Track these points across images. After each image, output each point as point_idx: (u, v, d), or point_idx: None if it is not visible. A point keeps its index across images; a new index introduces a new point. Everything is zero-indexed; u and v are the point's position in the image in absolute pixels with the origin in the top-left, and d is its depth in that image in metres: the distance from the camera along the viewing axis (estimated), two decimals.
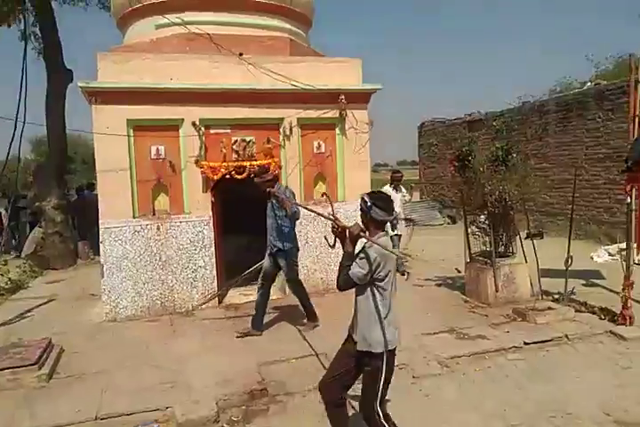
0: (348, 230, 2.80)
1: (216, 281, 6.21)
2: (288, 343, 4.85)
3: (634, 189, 5.15)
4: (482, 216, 6.16)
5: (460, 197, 6.85)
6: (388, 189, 7.64)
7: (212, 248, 6.13)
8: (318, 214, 3.81)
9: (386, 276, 2.79)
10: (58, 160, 9.98)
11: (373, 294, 2.81)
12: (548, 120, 10.76)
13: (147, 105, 5.77)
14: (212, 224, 6.11)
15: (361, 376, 2.96)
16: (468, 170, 6.10)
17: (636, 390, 3.81)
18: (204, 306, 6.10)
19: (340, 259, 2.84)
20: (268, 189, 5.09)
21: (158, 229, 5.89)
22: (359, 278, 2.74)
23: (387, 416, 2.87)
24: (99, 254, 6.10)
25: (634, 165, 4.95)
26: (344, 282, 2.79)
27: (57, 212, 9.55)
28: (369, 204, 2.81)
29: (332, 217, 3.04)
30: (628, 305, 5.05)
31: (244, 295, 6.53)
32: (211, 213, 6.13)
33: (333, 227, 2.91)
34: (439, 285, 6.95)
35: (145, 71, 5.78)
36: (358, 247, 2.85)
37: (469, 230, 6.33)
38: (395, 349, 2.89)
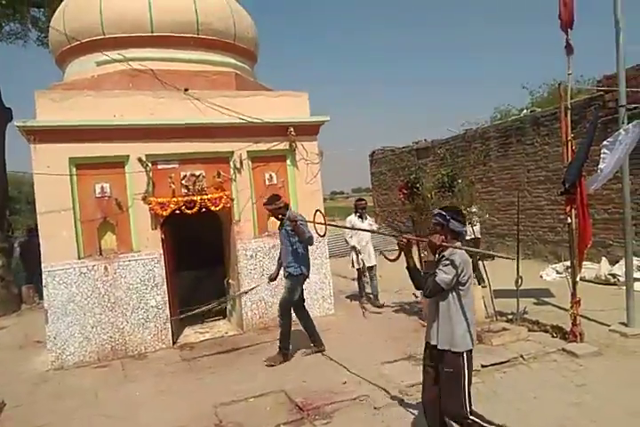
0: (429, 240, 3.08)
1: (169, 320, 5.99)
2: (245, 382, 4.70)
3: (573, 210, 5.40)
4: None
5: (411, 223, 6.99)
6: (353, 218, 7.59)
7: (164, 286, 5.95)
8: (381, 234, 4.46)
9: (468, 279, 3.08)
10: None
11: (458, 297, 3.07)
12: (490, 146, 11.30)
13: (89, 143, 5.65)
14: (162, 262, 5.95)
15: None
16: (416, 197, 6.25)
17: (590, 407, 3.86)
18: (157, 347, 5.86)
19: (409, 273, 3.19)
20: (280, 216, 5.27)
21: (106, 269, 5.68)
22: (447, 284, 2.99)
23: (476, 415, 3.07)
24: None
25: (571, 187, 5.19)
26: (433, 288, 3.02)
27: None
28: (447, 217, 3.13)
29: (395, 234, 3.26)
30: (577, 322, 5.19)
31: (199, 333, 6.34)
32: (161, 251, 5.97)
33: (400, 241, 3.23)
34: (397, 311, 6.98)
35: (86, 108, 5.68)
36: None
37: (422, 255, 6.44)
38: (472, 350, 3.12)
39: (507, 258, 3.72)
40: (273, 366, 5.08)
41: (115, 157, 5.81)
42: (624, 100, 5.60)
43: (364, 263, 7.46)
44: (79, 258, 5.61)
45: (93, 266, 5.64)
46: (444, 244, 3.04)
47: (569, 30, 5.35)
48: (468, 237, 7.38)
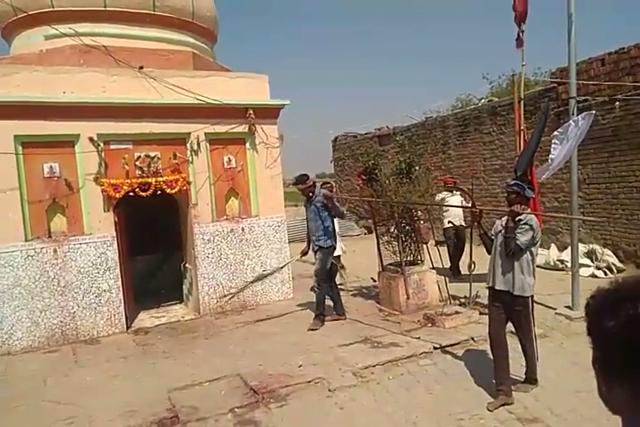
0: (510, 210, 3.70)
1: (123, 305, 5.86)
2: (200, 366, 4.67)
3: None
4: (391, 227, 6.39)
5: (369, 208, 7.06)
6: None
7: (117, 270, 5.79)
8: (456, 207, 6.44)
9: (539, 239, 3.83)
10: None
11: (531, 254, 3.78)
12: (449, 134, 11.49)
13: (36, 120, 5.37)
14: (116, 245, 5.79)
15: None
16: (375, 183, 6.31)
17: (535, 386, 4.02)
18: (110, 331, 5.74)
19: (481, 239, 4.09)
20: (309, 194, 5.63)
21: (55, 251, 5.48)
22: (526, 245, 3.68)
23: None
24: None
25: (522, 175, 5.35)
26: (515, 249, 3.67)
27: None
28: (524, 187, 3.78)
29: (469, 205, 4.29)
30: None
31: (155, 318, 6.24)
32: (114, 233, 5.80)
33: (474, 212, 4.24)
34: (355, 295, 7.08)
35: (34, 84, 5.40)
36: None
37: (381, 240, 6.53)
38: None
39: (590, 219, 5.30)
40: (316, 329, 5.54)
41: (64, 136, 5.56)
42: (574, 92, 5.78)
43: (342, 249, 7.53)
44: (26, 240, 5.38)
45: (42, 248, 5.43)
46: (524, 211, 3.70)
47: (522, 23, 5.46)
48: (450, 225, 7.58)
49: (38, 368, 4.83)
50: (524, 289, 3.77)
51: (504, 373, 3.88)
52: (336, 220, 7.75)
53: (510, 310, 3.87)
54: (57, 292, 5.49)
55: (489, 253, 4.00)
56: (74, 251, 5.57)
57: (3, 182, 5.23)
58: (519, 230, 3.68)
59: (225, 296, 6.29)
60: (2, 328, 5.26)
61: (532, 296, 3.94)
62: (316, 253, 5.69)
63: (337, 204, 5.68)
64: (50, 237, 5.52)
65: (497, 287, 3.87)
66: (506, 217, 3.82)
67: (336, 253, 7.42)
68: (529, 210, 3.89)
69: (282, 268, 6.57)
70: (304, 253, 6.02)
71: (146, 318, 6.25)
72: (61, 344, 5.47)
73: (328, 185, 7.77)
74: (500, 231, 3.85)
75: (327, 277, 5.80)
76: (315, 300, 5.79)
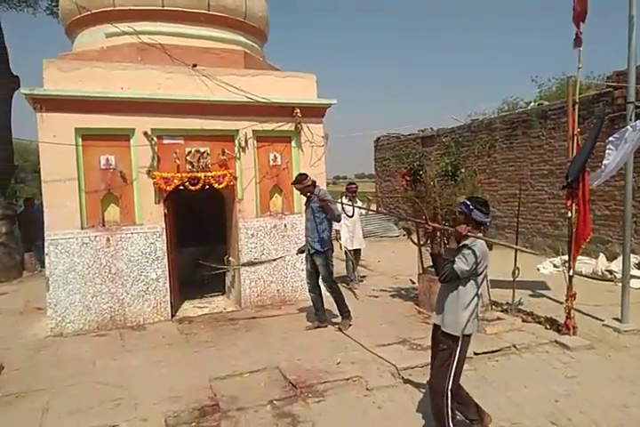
0: (455, 230, 3.17)
1: (169, 294, 6.05)
2: (241, 358, 4.76)
3: (574, 205, 5.41)
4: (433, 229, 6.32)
5: (412, 210, 7.01)
6: (343, 200, 7.71)
7: (165, 260, 5.99)
8: (409, 220, 5.21)
9: (484, 270, 3.20)
10: (2, 168, 9.52)
11: (471, 286, 3.19)
12: (495, 137, 11.24)
13: (96, 114, 5.62)
14: (164, 236, 5.98)
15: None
16: (419, 184, 6.26)
17: (578, 399, 3.93)
18: (156, 319, 5.94)
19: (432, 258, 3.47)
20: (308, 194, 5.49)
21: (108, 240, 5.72)
22: (463, 272, 3.10)
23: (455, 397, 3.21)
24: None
25: (573, 181, 5.19)
26: (449, 275, 3.14)
27: (2, 222, 9.09)
28: (471, 207, 3.20)
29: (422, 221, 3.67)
30: (571, 315, 5.24)
31: (198, 308, 6.42)
32: (164, 225, 5.99)
33: (425, 228, 3.68)
34: (393, 296, 7.05)
35: (94, 79, 5.64)
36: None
37: (422, 242, 6.47)
38: (470, 335, 3.29)
39: (531, 253, 3.92)
40: (344, 330, 5.45)
41: (120, 130, 5.79)
42: (633, 97, 5.55)
43: (352, 245, 7.60)
44: (82, 228, 5.63)
45: (96, 237, 5.68)
46: (470, 234, 3.14)
47: (581, 23, 5.29)
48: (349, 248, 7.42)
49: (88, 351, 5.06)
50: (454, 326, 3.20)
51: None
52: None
53: (435, 346, 3.37)
54: (108, 278, 5.73)
55: (437, 274, 3.47)
56: (125, 240, 5.79)
57: (63, 172, 5.50)
58: (460, 255, 3.11)
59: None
60: (56, 311, 5.54)
61: (466, 337, 3.25)
62: (312, 256, 5.53)
63: (333, 206, 5.48)
64: (104, 225, 5.77)
65: (432, 319, 3.45)
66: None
67: (355, 247, 7.53)
68: (476, 235, 3.20)
69: (276, 260, 6.39)
70: (300, 252, 5.87)
71: (189, 308, 6.43)
72: (110, 329, 5.70)
73: (353, 186, 7.87)
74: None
75: (332, 277, 5.65)
76: (318, 304, 5.68)
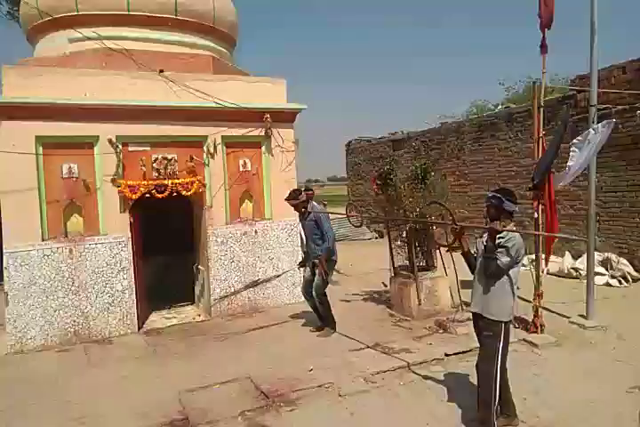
0: (490, 227, 3.33)
1: (135, 305, 5.91)
2: (211, 369, 4.68)
3: (540, 205, 5.52)
4: (404, 232, 6.37)
5: (383, 214, 7.05)
6: None
7: (131, 271, 5.85)
8: (435, 223, 5.21)
9: (521, 258, 3.40)
10: None
11: (511, 274, 3.37)
12: (464, 140, 11.43)
13: (58, 121, 5.46)
14: (130, 245, 5.84)
15: None
16: (389, 188, 6.30)
17: (546, 395, 4.01)
18: (122, 331, 5.78)
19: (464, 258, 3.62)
20: (303, 210, 5.55)
21: (71, 251, 5.54)
22: (507, 265, 3.30)
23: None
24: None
25: (539, 182, 5.30)
26: (496, 271, 3.31)
27: None
28: (502, 199, 3.39)
29: (449, 221, 3.84)
30: (539, 314, 5.35)
31: (166, 319, 6.28)
32: (129, 234, 5.86)
33: (453, 228, 3.72)
34: (365, 300, 7.05)
35: (56, 86, 5.48)
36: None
37: (394, 245, 6.51)
38: (512, 320, 3.53)
39: (577, 239, 4.10)
40: (323, 336, 5.46)
41: (84, 137, 5.64)
42: (595, 101, 5.73)
43: None
44: (43, 240, 5.46)
45: (58, 248, 5.50)
46: (505, 229, 3.33)
47: (546, 30, 5.43)
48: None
49: (51, 367, 4.89)
50: (498, 313, 3.38)
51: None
52: (346, 222, 7.75)
53: (479, 334, 3.55)
54: (71, 291, 5.55)
55: (472, 273, 3.63)
56: (89, 251, 5.63)
57: (22, 182, 5.31)
58: (500, 250, 3.31)
59: (222, 298, 6.29)
60: (16, 327, 5.33)
61: (509, 323, 3.47)
62: (314, 266, 5.58)
63: (326, 223, 5.54)
64: (66, 236, 5.60)
65: (472, 309, 3.59)
66: (486, 235, 3.43)
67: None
68: (511, 224, 3.45)
69: (278, 276, 6.46)
70: (302, 266, 5.93)
71: (157, 319, 6.29)
72: (74, 344, 5.52)
73: (309, 192, 7.89)
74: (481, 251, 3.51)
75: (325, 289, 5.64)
76: (318, 312, 5.68)
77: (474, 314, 3.58)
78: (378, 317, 6.19)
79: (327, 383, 4.26)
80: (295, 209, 5.64)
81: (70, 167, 5.59)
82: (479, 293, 3.49)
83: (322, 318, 5.68)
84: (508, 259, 3.29)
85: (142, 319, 6.11)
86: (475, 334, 3.68)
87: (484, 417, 3.38)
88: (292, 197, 5.54)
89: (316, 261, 5.51)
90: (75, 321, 5.59)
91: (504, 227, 3.37)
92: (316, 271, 5.52)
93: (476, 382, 4.21)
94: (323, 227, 5.48)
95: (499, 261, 3.28)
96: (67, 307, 5.54)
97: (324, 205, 8.51)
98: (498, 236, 3.35)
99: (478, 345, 4.79)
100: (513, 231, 3.37)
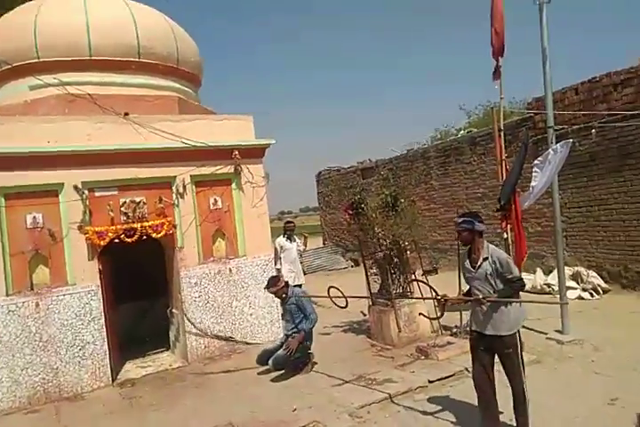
0: (479, 299, 3.50)
1: (108, 357, 5.66)
2: (191, 417, 4.52)
3: (508, 225, 5.66)
4: (378, 260, 6.40)
5: (357, 242, 7.09)
6: (281, 239, 7.78)
7: (102, 320, 5.64)
8: (422, 298, 5.52)
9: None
10: None
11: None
12: (430, 165, 11.73)
13: (21, 171, 5.34)
14: (100, 294, 5.66)
15: None
16: (361, 217, 6.36)
17: (533, 415, 3.83)
18: (95, 385, 5.52)
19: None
20: (283, 295, 5.49)
21: (37, 305, 5.32)
22: (518, 274, 3.60)
23: None
24: None
25: (505, 204, 5.45)
26: (520, 285, 3.57)
27: None
28: (474, 222, 3.56)
29: (437, 297, 3.92)
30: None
31: (141, 368, 6.03)
32: (99, 283, 5.68)
33: (439, 301, 3.87)
34: (345, 331, 6.99)
35: (18, 135, 5.40)
36: None
37: (370, 273, 6.52)
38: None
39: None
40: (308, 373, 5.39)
41: (48, 186, 5.53)
42: (552, 122, 6.01)
43: (294, 281, 7.56)
44: (7, 295, 5.23)
45: (23, 303, 5.26)
46: (491, 299, 3.47)
47: (499, 58, 5.72)
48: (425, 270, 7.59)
49: None
50: (512, 326, 3.58)
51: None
52: (321, 252, 7.74)
53: (498, 353, 3.69)
54: (39, 347, 5.29)
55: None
56: (56, 303, 5.42)
57: None
58: (507, 269, 3.51)
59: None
60: None
61: (519, 332, 3.65)
62: (286, 339, 5.52)
63: (306, 307, 5.48)
64: (32, 289, 5.38)
65: (486, 332, 3.65)
66: (467, 261, 3.69)
67: (300, 282, 7.57)
68: (484, 242, 3.62)
69: (249, 344, 6.28)
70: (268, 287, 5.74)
71: (132, 369, 6.04)
72: (44, 403, 5.21)
73: (291, 224, 7.93)
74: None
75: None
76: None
77: (482, 335, 3.63)
78: (359, 347, 6.13)
79: (312, 422, 4.17)
80: (275, 296, 5.62)
81: (35, 217, 5.44)
82: (488, 314, 3.56)
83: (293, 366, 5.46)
84: (516, 270, 3.52)
85: (116, 371, 5.86)
86: (477, 353, 3.74)
87: None
88: (271, 284, 5.50)
89: (289, 335, 5.44)
90: (44, 379, 5.30)
91: (480, 247, 3.58)
92: (285, 345, 5.38)
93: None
94: (306, 311, 5.46)
95: (515, 279, 3.49)
96: (35, 364, 5.27)
97: (305, 237, 8.43)
98: (483, 258, 3.55)
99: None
100: (494, 301, 3.48)
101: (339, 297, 4.73)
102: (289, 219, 9.07)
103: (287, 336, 5.53)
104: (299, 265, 7.97)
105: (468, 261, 3.70)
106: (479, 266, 3.57)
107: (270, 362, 5.32)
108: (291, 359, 5.32)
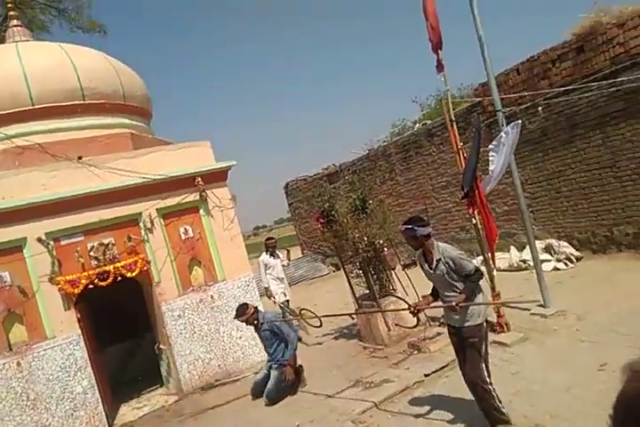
0: (452, 306, 3.42)
1: (101, 404, 5.57)
2: None
3: (476, 211, 5.77)
4: (358, 262, 6.46)
5: (334, 249, 7.14)
6: (265, 257, 7.72)
7: (89, 368, 5.55)
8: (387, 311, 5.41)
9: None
10: None
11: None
12: (393, 162, 11.88)
13: None
14: (82, 342, 5.58)
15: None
16: (334, 224, 6.40)
17: (527, 393, 4.05)
18: None
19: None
20: (255, 322, 5.31)
21: (19, 364, 5.22)
22: (475, 266, 3.55)
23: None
24: None
25: (469, 190, 5.57)
26: (478, 277, 3.50)
27: None
28: (414, 228, 3.54)
29: (409, 307, 3.85)
30: (501, 313, 5.49)
31: (137, 409, 5.95)
32: (79, 331, 5.60)
33: (411, 311, 3.79)
34: (337, 337, 7.02)
35: None
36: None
37: (351, 276, 6.57)
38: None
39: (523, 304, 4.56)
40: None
41: (10, 242, 5.45)
42: (499, 105, 6.16)
43: (285, 296, 7.59)
44: None
45: (4, 364, 5.16)
46: (462, 304, 3.43)
47: (439, 51, 5.86)
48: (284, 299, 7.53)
49: None
50: (476, 317, 3.54)
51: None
52: (301, 262, 7.64)
53: (461, 344, 3.66)
54: (27, 407, 5.19)
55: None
56: (38, 359, 5.32)
57: None
58: (460, 263, 3.50)
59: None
60: None
61: (486, 323, 3.64)
62: (269, 369, 5.38)
63: (284, 329, 5.36)
64: (11, 350, 5.28)
65: (453, 324, 3.67)
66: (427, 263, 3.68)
67: (283, 299, 7.54)
68: (434, 243, 3.62)
69: (236, 380, 6.08)
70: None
71: (127, 412, 5.95)
72: None
73: (272, 241, 7.90)
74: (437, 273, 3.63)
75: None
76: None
77: (452, 328, 3.67)
78: (352, 353, 6.16)
79: None
80: (247, 324, 5.47)
81: (1, 276, 5.36)
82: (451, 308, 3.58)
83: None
84: (471, 264, 3.51)
85: (112, 416, 5.77)
86: (454, 346, 3.76)
87: (494, 420, 3.49)
88: (240, 313, 5.35)
89: (274, 364, 5.35)
90: None
91: (432, 249, 3.58)
92: (273, 374, 5.27)
93: (457, 395, 4.28)
94: (282, 333, 5.34)
95: (473, 269, 3.49)
96: (26, 425, 5.16)
97: (288, 251, 8.37)
98: (436, 259, 3.53)
99: (455, 358, 4.94)
100: (466, 305, 3.46)
101: (311, 317, 4.76)
102: (269, 235, 9.00)
103: (271, 362, 5.41)
104: (285, 280, 7.91)
105: (425, 262, 3.71)
106: (435, 267, 3.59)
107: (265, 399, 5.19)
108: (282, 387, 5.22)
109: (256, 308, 5.52)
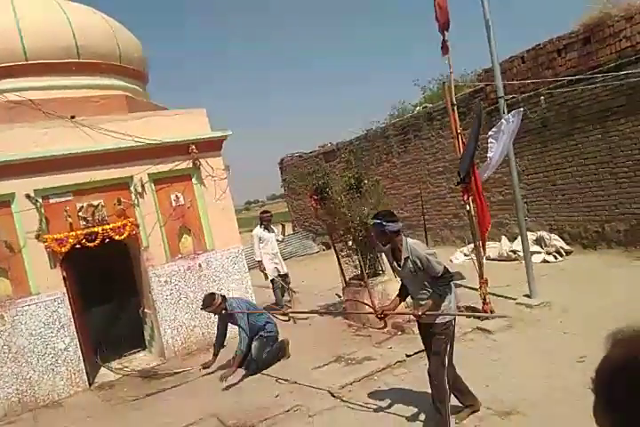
0: (417, 316, 3.38)
1: (82, 362, 5.60)
2: (173, 413, 4.52)
3: (470, 198, 5.76)
4: (349, 241, 6.45)
5: (326, 227, 7.12)
6: (258, 230, 7.68)
7: (72, 327, 5.55)
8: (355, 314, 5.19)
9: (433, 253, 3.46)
10: None
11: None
12: (391, 143, 11.79)
13: None
14: (67, 301, 5.56)
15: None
16: (327, 201, 6.37)
17: (506, 379, 4.11)
18: (72, 391, 5.45)
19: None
20: (223, 312, 5.17)
21: (2, 318, 5.21)
22: (444, 266, 3.37)
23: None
24: None
25: (465, 177, 5.54)
26: (447, 278, 3.38)
27: None
28: (383, 223, 3.35)
29: (375, 312, 3.76)
30: (487, 301, 5.55)
31: (119, 370, 5.96)
32: (64, 289, 5.57)
33: (377, 315, 3.69)
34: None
35: None
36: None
37: (341, 255, 6.57)
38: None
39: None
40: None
41: None
42: (502, 92, 6.09)
43: (278, 272, 7.53)
44: None
45: None
46: (428, 313, 3.34)
47: (445, 32, 5.73)
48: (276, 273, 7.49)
49: None
50: (443, 316, 3.45)
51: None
52: (291, 239, 7.60)
53: (428, 338, 3.58)
54: (9, 359, 5.21)
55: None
56: (22, 314, 5.31)
57: None
58: (430, 263, 3.33)
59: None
60: None
61: (452, 321, 3.54)
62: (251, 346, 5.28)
63: (240, 321, 5.21)
64: None
65: (422, 321, 3.55)
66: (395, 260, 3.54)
67: (284, 272, 7.55)
68: (403, 240, 3.43)
69: (177, 373, 5.66)
70: (206, 367, 5.27)
71: (109, 372, 5.98)
72: (20, 413, 5.15)
73: (267, 215, 7.84)
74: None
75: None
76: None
77: (422, 324, 3.56)
78: (337, 329, 6.21)
79: (295, 406, 4.22)
80: (215, 314, 5.32)
81: None
82: (425, 305, 3.45)
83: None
84: (440, 266, 3.32)
85: (92, 375, 5.79)
86: (422, 339, 3.69)
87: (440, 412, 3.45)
88: (207, 304, 5.15)
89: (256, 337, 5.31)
90: (18, 389, 5.22)
91: (400, 246, 3.41)
92: (254, 345, 5.25)
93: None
94: (238, 327, 5.22)
95: (438, 274, 3.32)
96: (6, 376, 5.18)
97: (283, 226, 8.29)
98: (404, 257, 3.38)
99: (422, 347, 4.97)
100: (432, 315, 3.36)
101: (277, 313, 4.71)
102: (265, 209, 8.94)
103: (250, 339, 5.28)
104: (279, 255, 7.84)
105: (393, 259, 3.57)
106: (404, 264, 3.45)
107: (250, 371, 5.20)
108: (264, 356, 5.23)
109: (224, 297, 5.32)
